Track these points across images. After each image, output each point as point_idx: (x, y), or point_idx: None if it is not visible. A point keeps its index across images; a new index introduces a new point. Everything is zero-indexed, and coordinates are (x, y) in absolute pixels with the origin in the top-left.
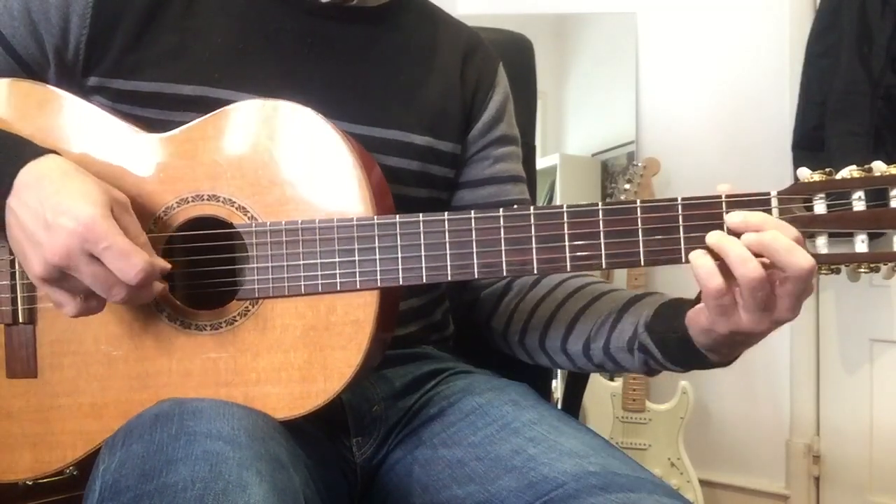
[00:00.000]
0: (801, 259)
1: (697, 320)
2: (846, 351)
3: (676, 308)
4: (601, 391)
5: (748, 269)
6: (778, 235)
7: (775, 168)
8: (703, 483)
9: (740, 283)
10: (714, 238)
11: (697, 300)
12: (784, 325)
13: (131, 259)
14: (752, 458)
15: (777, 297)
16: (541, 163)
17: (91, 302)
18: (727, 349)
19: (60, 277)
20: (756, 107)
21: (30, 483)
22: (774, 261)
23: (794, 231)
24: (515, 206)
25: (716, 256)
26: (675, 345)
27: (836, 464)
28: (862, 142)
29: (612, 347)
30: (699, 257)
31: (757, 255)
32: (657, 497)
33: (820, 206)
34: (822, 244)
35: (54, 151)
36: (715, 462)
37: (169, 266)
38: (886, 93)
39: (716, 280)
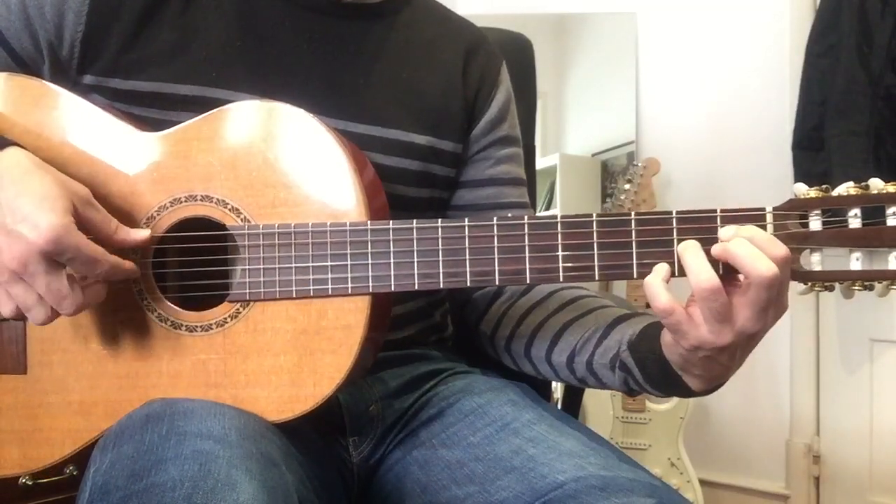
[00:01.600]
0: (762, 267)
1: (665, 336)
2: (846, 351)
3: (660, 329)
4: (601, 391)
5: (700, 279)
6: (743, 242)
7: (775, 168)
8: (703, 483)
9: (694, 292)
10: (680, 248)
11: None
12: (784, 326)
13: (98, 264)
14: (752, 458)
15: (737, 307)
16: (541, 163)
17: (35, 311)
18: (699, 369)
19: (14, 281)
20: (756, 107)
21: (30, 483)
22: (737, 267)
23: (782, 248)
24: (510, 215)
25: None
26: (652, 366)
27: (836, 464)
28: (862, 142)
29: (595, 363)
30: (649, 280)
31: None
32: (657, 497)
33: (815, 223)
34: (816, 261)
35: (16, 143)
36: (715, 462)
37: (147, 233)
38: (886, 93)
39: (664, 298)
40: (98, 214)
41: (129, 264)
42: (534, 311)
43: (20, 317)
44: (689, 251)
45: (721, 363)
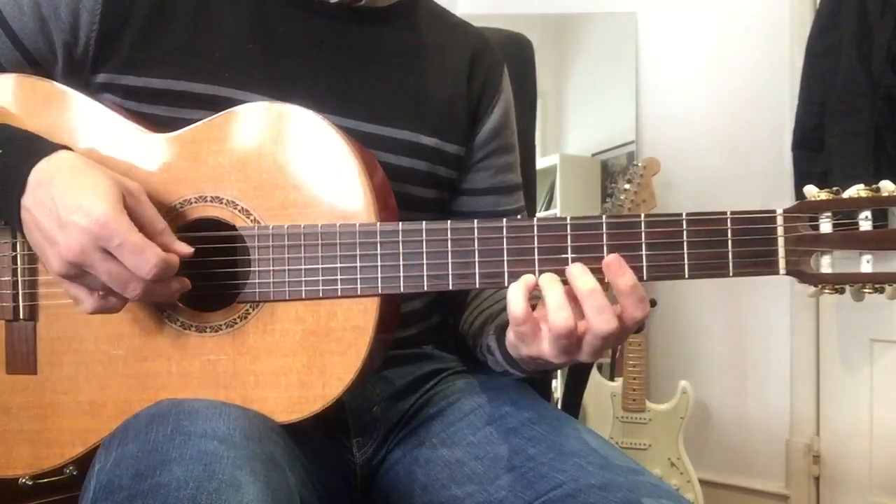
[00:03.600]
0: (602, 324)
1: (509, 336)
2: (846, 351)
3: None
4: (601, 391)
5: (558, 317)
6: (595, 294)
7: (775, 168)
8: (703, 483)
9: (549, 327)
10: (544, 279)
11: None
12: (784, 326)
13: (145, 255)
14: (752, 458)
15: (581, 344)
16: (541, 163)
17: (109, 299)
18: (531, 368)
19: (79, 274)
20: (756, 107)
21: (30, 483)
22: (584, 313)
23: (598, 299)
24: (519, 216)
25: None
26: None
27: (836, 464)
28: (862, 142)
29: (482, 347)
30: (514, 285)
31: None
32: (656, 496)
33: (826, 225)
34: (826, 263)
35: (66, 147)
36: (715, 462)
37: (190, 250)
38: (886, 93)
39: (520, 308)
40: (149, 211)
41: (174, 258)
42: (475, 299)
43: (103, 309)
44: (551, 285)
45: (551, 369)
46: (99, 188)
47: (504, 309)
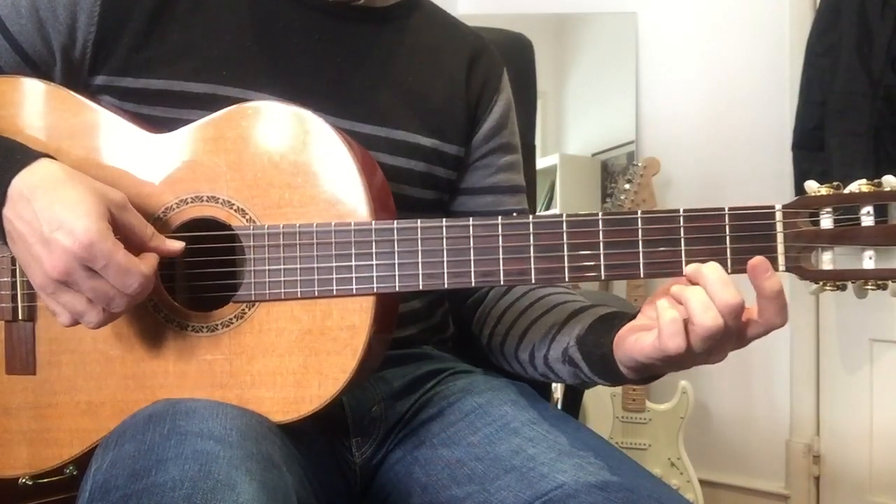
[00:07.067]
0: (707, 319)
1: (629, 350)
2: (846, 351)
3: (610, 323)
4: (601, 391)
5: (707, 317)
6: (698, 291)
7: (775, 168)
8: (703, 483)
9: (698, 331)
10: (677, 288)
11: (633, 317)
12: (784, 326)
13: (130, 274)
14: (752, 458)
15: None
16: (541, 163)
17: (88, 315)
18: (644, 372)
19: (61, 290)
20: (756, 107)
21: (30, 483)
22: (687, 313)
23: (734, 296)
24: (514, 215)
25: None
26: (597, 360)
27: (836, 464)
28: (862, 142)
29: (550, 358)
30: (667, 308)
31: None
32: (656, 496)
33: (826, 221)
34: (827, 259)
35: (47, 155)
36: (715, 462)
37: (181, 245)
38: (886, 93)
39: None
40: (135, 220)
41: (153, 270)
42: (508, 311)
43: (77, 324)
44: (691, 291)
45: (662, 373)
46: (82, 204)
47: (570, 316)
